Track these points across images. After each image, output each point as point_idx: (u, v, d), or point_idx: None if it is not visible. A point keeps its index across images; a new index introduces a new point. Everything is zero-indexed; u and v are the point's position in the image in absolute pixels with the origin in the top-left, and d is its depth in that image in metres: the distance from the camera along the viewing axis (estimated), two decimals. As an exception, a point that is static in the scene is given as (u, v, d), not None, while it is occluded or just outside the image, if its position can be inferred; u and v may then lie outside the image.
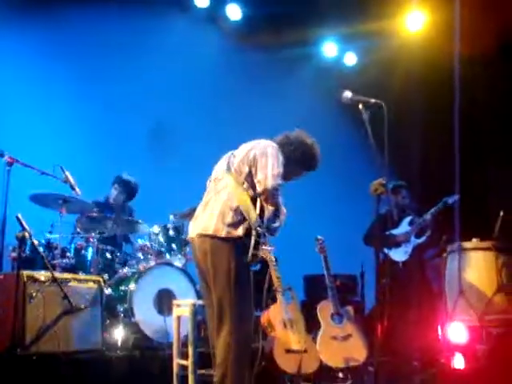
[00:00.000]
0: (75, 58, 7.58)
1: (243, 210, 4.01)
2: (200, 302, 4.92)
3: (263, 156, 4.10)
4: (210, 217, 4.07)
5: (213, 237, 4.03)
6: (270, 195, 3.97)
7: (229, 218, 4.02)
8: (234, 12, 8.62)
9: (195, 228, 4.17)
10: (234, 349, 3.93)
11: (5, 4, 7.01)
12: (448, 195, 6.55)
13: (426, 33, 8.60)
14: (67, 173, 5.73)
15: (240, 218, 4.02)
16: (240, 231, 3.99)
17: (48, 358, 4.82)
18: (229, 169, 4.16)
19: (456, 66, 7.86)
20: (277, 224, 4.11)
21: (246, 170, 4.11)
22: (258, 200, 4.01)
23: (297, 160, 4.43)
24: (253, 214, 3.96)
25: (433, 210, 6.49)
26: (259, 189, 3.99)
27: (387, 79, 8.90)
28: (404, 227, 6.64)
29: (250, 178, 4.10)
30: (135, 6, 7.80)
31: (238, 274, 4.01)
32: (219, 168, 4.29)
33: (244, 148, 4.26)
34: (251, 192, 4.05)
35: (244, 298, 4.04)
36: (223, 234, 4.01)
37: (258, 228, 3.93)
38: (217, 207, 4.08)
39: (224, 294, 4.02)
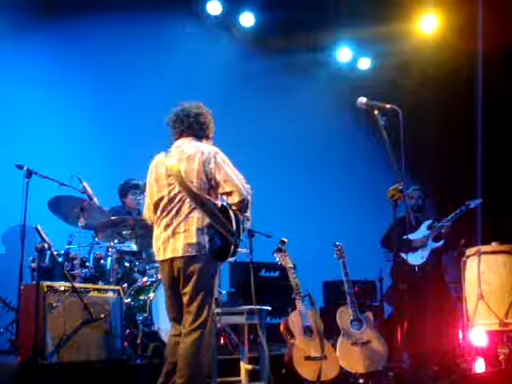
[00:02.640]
0: (89, 67, 7.60)
1: None
2: (218, 309, 4.95)
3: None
4: (190, 236, 4.15)
5: (198, 255, 4.14)
6: None
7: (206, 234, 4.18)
8: (247, 19, 8.64)
9: (171, 251, 4.17)
10: (201, 351, 4.10)
11: (19, 16, 7.05)
12: (469, 199, 6.49)
13: (440, 35, 8.59)
14: (85, 183, 5.78)
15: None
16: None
17: (69, 368, 4.85)
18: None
19: (479, 65, 7.86)
20: None
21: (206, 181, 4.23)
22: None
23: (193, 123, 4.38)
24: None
25: (453, 214, 6.44)
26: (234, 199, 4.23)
27: (402, 82, 8.89)
28: (422, 231, 6.60)
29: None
30: (148, 13, 7.82)
31: (213, 285, 4.25)
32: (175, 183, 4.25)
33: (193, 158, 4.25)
34: None
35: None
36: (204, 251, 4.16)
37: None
38: (192, 224, 4.17)
39: (203, 304, 4.14)
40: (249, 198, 4.23)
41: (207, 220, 4.16)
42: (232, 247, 4.19)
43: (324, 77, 9.12)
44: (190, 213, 4.17)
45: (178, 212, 4.18)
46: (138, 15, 7.75)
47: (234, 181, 4.19)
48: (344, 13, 8.35)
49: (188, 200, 4.17)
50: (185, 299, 4.17)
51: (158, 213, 4.26)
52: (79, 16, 7.40)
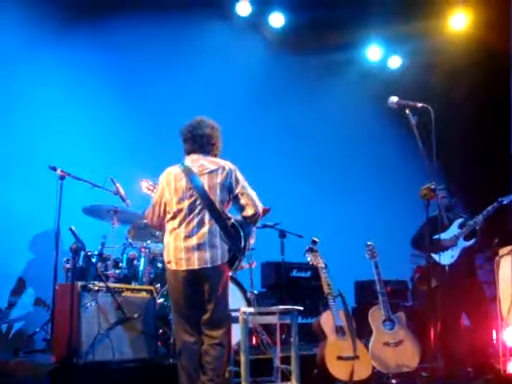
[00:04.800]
0: (120, 68, 7.69)
1: None
2: (251, 309, 4.97)
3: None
4: (216, 246, 4.36)
5: (222, 264, 4.40)
6: None
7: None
8: (277, 19, 8.64)
9: (198, 261, 4.32)
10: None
11: (50, 19, 7.12)
12: (502, 196, 6.39)
13: (471, 31, 8.51)
14: (118, 185, 5.84)
15: None
16: None
17: (103, 367, 4.91)
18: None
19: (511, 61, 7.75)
20: None
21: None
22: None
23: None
24: None
25: (485, 212, 6.34)
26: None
27: (433, 80, 8.82)
28: (453, 230, 6.51)
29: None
30: (176, 14, 7.86)
31: None
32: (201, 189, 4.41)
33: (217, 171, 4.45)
34: None
35: None
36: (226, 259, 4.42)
37: None
38: (216, 235, 4.37)
39: (227, 310, 4.51)
40: (261, 212, 4.47)
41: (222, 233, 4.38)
42: (236, 262, 4.46)
43: (354, 75, 9.07)
44: (211, 225, 4.34)
45: (199, 224, 4.34)
46: (168, 16, 7.79)
47: (250, 195, 4.45)
48: (374, 11, 8.30)
49: (208, 213, 4.34)
50: (210, 307, 4.35)
51: (176, 224, 4.37)
52: (109, 19, 7.46)
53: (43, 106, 7.04)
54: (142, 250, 5.90)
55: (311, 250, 5.69)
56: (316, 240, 5.73)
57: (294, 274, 7.53)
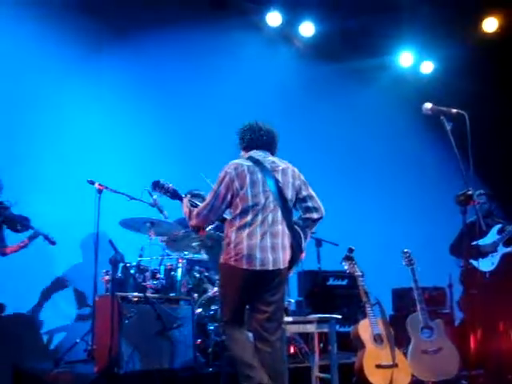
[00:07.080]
0: (154, 82, 7.77)
1: None
2: (289, 318, 4.98)
3: None
4: (287, 247, 4.33)
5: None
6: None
7: None
8: (307, 28, 8.67)
9: (274, 262, 4.23)
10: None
11: (85, 39, 7.24)
12: None
13: (503, 36, 8.46)
14: (155, 197, 5.91)
15: None
16: None
17: (143, 376, 4.96)
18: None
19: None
20: None
21: None
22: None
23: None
24: None
25: None
26: None
27: (466, 85, 8.76)
28: (492, 236, 6.46)
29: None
30: (209, 27, 7.94)
31: None
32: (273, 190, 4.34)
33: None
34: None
35: None
36: None
37: None
38: (286, 234, 4.33)
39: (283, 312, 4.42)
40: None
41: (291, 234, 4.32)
42: (294, 264, 4.40)
43: (387, 82, 9.05)
44: (283, 225, 4.29)
45: (273, 222, 4.26)
46: (201, 28, 7.88)
47: (317, 199, 4.45)
48: (405, 17, 8.29)
49: (280, 211, 4.28)
50: (270, 308, 4.25)
51: (248, 219, 4.21)
52: (145, 31, 7.56)
53: (82, 122, 7.15)
54: (180, 260, 5.94)
55: (348, 258, 5.68)
56: (352, 248, 5.72)
57: (331, 282, 7.50)
